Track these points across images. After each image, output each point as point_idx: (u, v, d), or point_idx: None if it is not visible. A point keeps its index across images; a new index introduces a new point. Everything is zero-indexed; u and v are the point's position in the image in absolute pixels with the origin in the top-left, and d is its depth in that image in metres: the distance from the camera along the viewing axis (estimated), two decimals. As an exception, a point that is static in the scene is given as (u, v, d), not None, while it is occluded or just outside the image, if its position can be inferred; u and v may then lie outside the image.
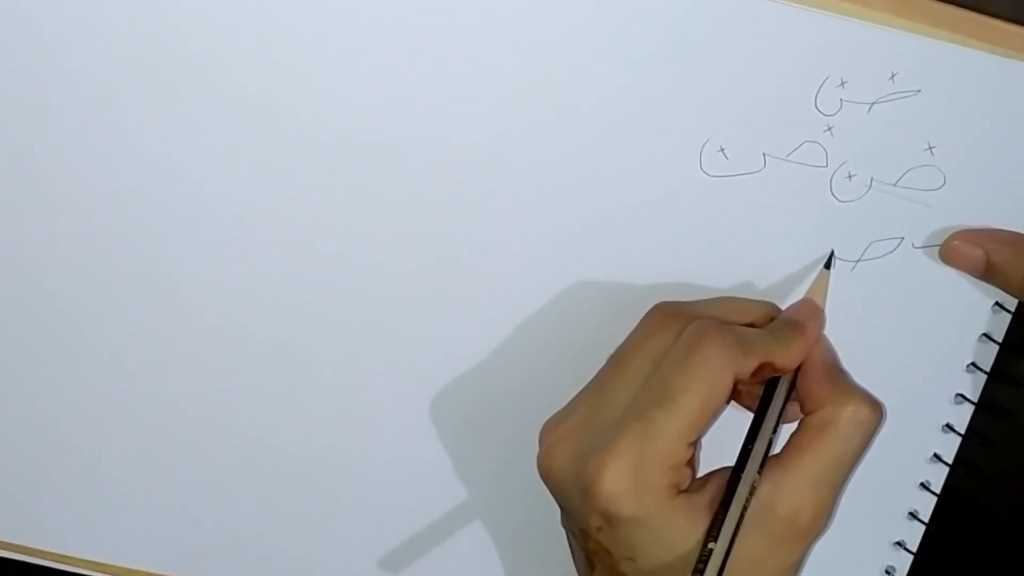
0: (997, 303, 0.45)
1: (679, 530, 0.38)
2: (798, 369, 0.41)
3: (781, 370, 0.40)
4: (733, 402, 0.41)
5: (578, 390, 0.42)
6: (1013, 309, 0.45)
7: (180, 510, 0.50)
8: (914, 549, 0.48)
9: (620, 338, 0.42)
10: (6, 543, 0.51)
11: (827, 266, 0.44)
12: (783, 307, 0.44)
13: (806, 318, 0.42)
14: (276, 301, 0.46)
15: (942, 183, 0.43)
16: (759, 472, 0.39)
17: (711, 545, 0.38)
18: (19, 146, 0.44)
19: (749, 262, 0.44)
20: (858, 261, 0.44)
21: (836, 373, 0.41)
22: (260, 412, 0.48)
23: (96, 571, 0.51)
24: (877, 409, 0.39)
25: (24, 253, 0.46)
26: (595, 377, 0.42)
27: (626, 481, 0.37)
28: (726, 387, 0.38)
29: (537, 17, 0.42)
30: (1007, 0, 0.41)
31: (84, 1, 0.42)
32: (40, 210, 0.45)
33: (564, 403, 0.42)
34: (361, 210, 0.44)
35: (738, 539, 0.38)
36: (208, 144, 0.44)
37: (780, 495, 0.39)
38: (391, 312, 0.46)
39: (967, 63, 0.41)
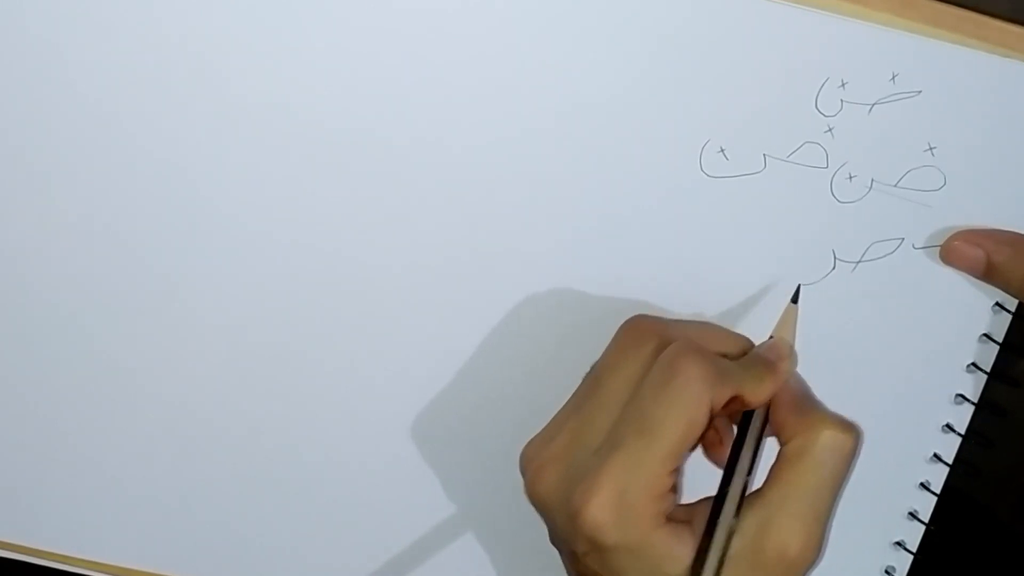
0: (997, 303, 0.45)
1: (665, 556, 0.38)
2: (771, 404, 0.41)
3: (750, 405, 0.40)
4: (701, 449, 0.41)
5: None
6: (1013, 309, 0.45)
7: (180, 510, 0.50)
8: (914, 549, 0.49)
9: (620, 339, 0.42)
10: (6, 543, 0.51)
11: (794, 300, 0.44)
12: (773, 307, 0.44)
13: (778, 358, 0.41)
14: (275, 303, 0.46)
15: (942, 183, 0.43)
16: (740, 509, 0.39)
17: None
18: (19, 147, 0.44)
19: (749, 263, 0.44)
20: (859, 262, 0.44)
21: (807, 402, 0.41)
22: (259, 413, 0.48)
23: (96, 571, 0.51)
24: (851, 432, 0.39)
25: (24, 254, 0.46)
26: (572, 398, 0.41)
27: (611, 512, 0.37)
28: (704, 414, 0.38)
29: (537, 19, 0.41)
30: (1007, 0, 0.41)
31: (83, 2, 0.42)
32: (40, 211, 0.45)
33: (555, 415, 0.42)
34: (360, 213, 0.44)
35: (728, 575, 0.38)
36: (208, 145, 0.44)
37: (765, 531, 0.38)
38: (390, 315, 0.46)
39: (967, 63, 0.41)
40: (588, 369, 0.42)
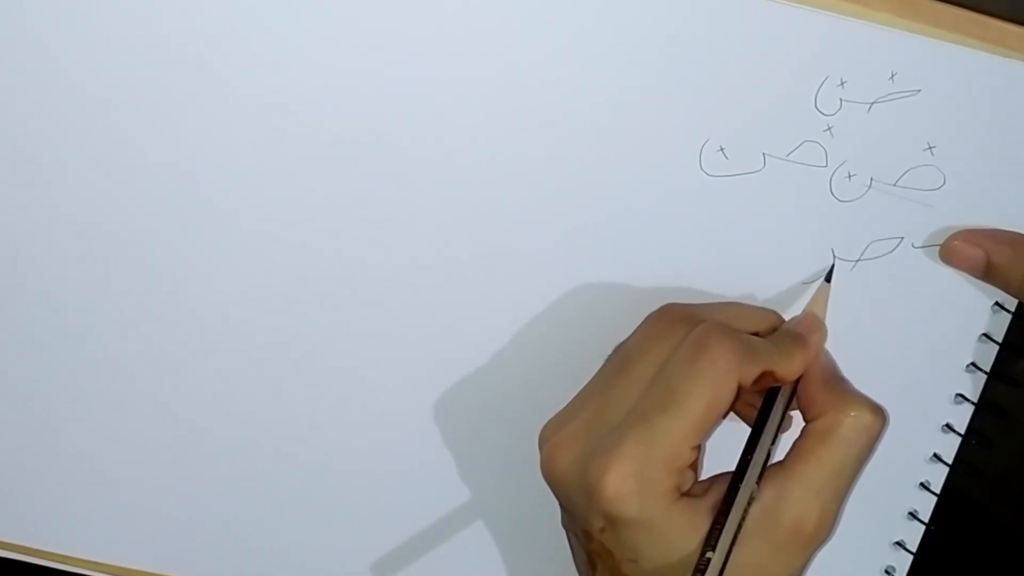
0: (997, 303, 0.45)
1: (681, 533, 0.38)
2: (798, 380, 0.41)
3: (781, 380, 0.40)
4: (731, 413, 0.41)
5: (578, 391, 0.42)
6: (1013, 309, 0.45)
7: (180, 510, 0.50)
8: (914, 549, 0.48)
9: (620, 338, 0.42)
10: (6, 543, 0.51)
11: (827, 279, 0.44)
12: (782, 310, 0.44)
13: (808, 332, 0.42)
14: (276, 303, 0.46)
15: (942, 183, 0.43)
16: (760, 480, 0.39)
17: (709, 555, 0.38)
18: (18, 147, 0.44)
19: (748, 262, 0.44)
20: (858, 261, 0.44)
21: (837, 381, 0.41)
22: (260, 413, 0.48)
23: (96, 571, 0.51)
24: (879, 414, 0.40)
25: (24, 254, 0.46)
26: (597, 378, 0.42)
27: (629, 484, 0.38)
28: (730, 392, 0.38)
29: (537, 18, 0.42)
30: (1007, 0, 0.41)
31: (83, 2, 0.42)
32: (39, 211, 0.45)
33: (564, 404, 0.42)
34: (361, 212, 0.44)
35: (741, 545, 0.38)
36: (208, 145, 0.44)
37: (783, 502, 0.39)
38: (392, 313, 0.46)
39: (967, 63, 0.41)
40: (586, 365, 0.42)
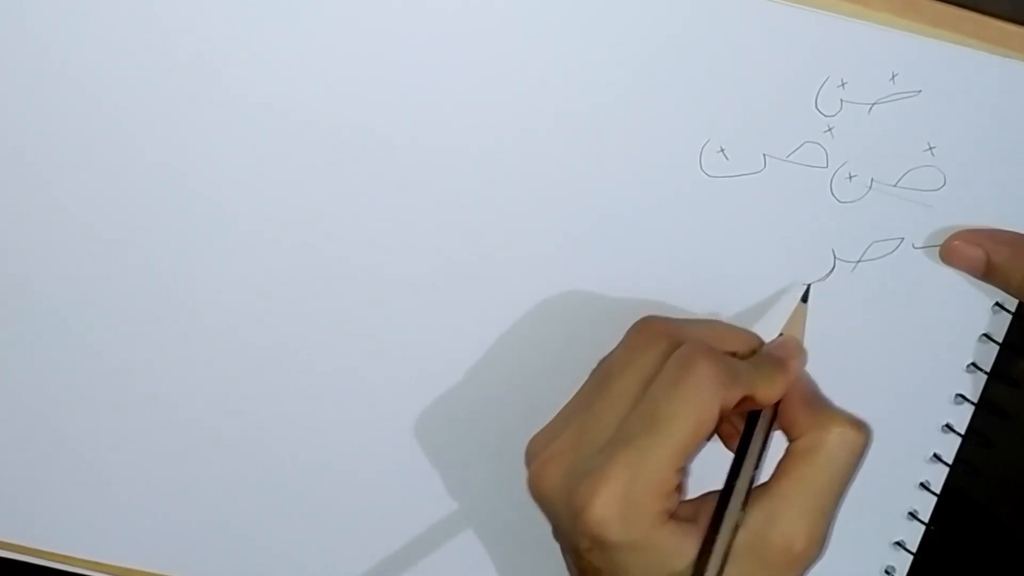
0: (997, 303, 0.45)
1: (669, 554, 0.38)
2: (779, 402, 0.41)
3: (761, 404, 0.40)
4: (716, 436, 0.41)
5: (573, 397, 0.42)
6: (1013, 309, 0.45)
7: (180, 510, 0.50)
8: (914, 549, 0.49)
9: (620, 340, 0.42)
10: (6, 543, 0.51)
11: (803, 300, 0.44)
12: (782, 311, 0.44)
13: (788, 356, 0.42)
14: (275, 304, 0.46)
15: (942, 183, 0.43)
16: (746, 504, 0.39)
17: None
18: (19, 148, 0.44)
19: (749, 263, 0.44)
20: (858, 262, 0.44)
21: (817, 400, 0.41)
22: (259, 414, 0.48)
23: (96, 571, 0.51)
24: (862, 430, 0.39)
25: (24, 254, 0.46)
26: (580, 393, 0.42)
27: (615, 508, 0.37)
28: (714, 415, 0.38)
29: (537, 19, 0.41)
30: (1007, 0, 0.41)
31: (84, 2, 0.42)
32: (40, 212, 0.45)
33: (560, 409, 0.42)
34: (360, 214, 0.44)
35: (730, 568, 0.38)
36: (209, 147, 0.44)
37: (771, 524, 0.39)
38: (389, 317, 0.46)
39: (967, 63, 0.41)
40: (588, 368, 0.42)
